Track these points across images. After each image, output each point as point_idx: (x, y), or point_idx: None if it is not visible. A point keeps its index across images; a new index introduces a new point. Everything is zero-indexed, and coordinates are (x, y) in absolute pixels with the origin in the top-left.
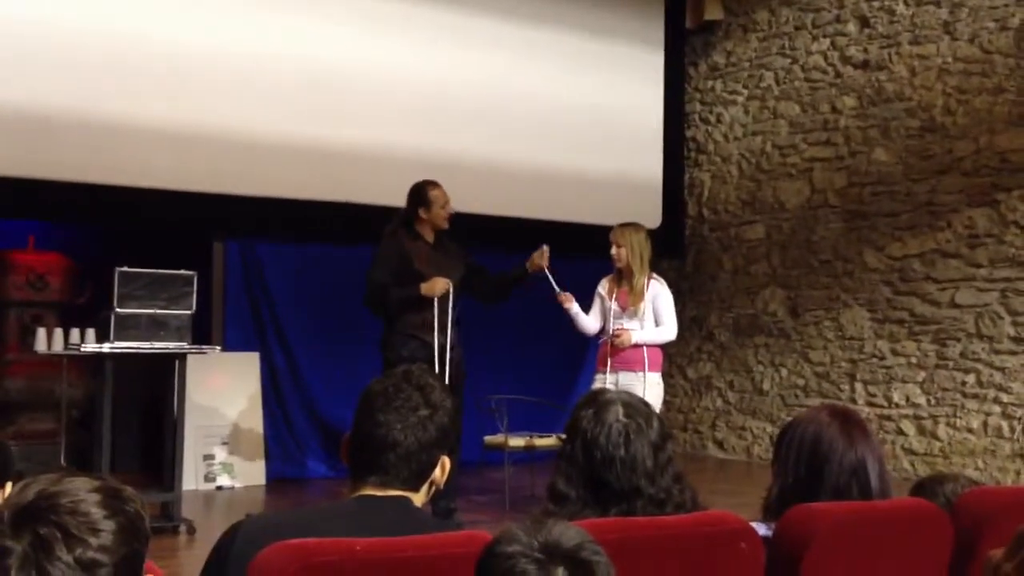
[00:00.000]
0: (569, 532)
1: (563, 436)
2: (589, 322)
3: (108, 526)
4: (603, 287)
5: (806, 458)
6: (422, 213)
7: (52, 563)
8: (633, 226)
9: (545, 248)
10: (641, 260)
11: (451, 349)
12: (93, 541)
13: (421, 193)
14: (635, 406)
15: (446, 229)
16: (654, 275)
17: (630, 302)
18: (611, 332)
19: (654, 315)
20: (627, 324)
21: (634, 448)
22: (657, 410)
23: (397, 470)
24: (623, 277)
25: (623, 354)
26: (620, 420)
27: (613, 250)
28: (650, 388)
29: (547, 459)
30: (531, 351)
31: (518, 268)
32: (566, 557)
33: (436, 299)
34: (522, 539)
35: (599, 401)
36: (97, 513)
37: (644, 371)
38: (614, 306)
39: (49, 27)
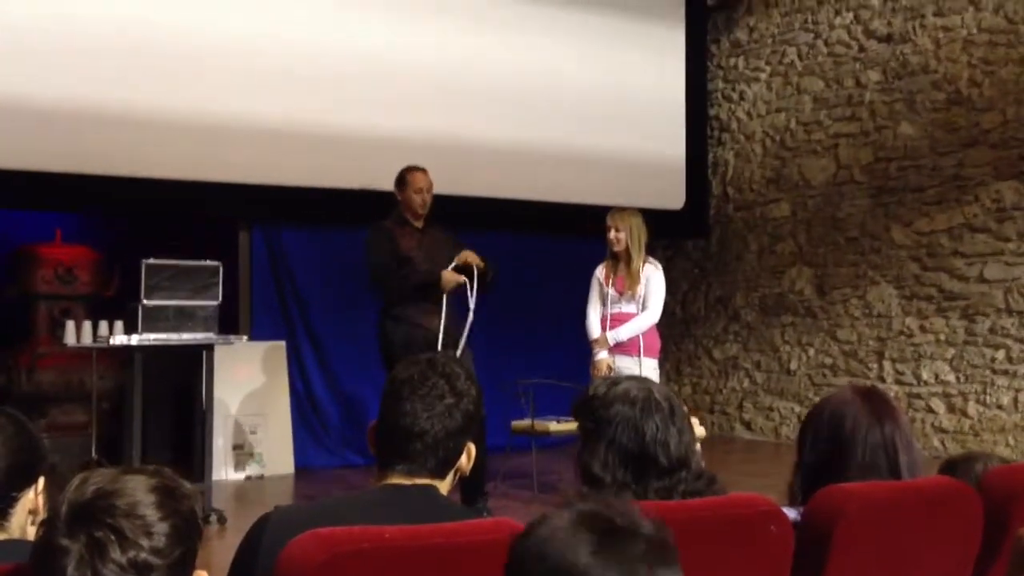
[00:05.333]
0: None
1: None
2: (595, 325)
3: (162, 528)
4: (600, 273)
5: (828, 437)
6: (398, 194)
7: (105, 565)
8: (630, 210)
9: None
10: (639, 244)
11: (446, 334)
12: (146, 543)
13: (400, 175)
14: (654, 383)
15: (427, 215)
16: (650, 258)
17: (627, 286)
18: (609, 316)
19: (643, 297)
20: (625, 308)
21: (679, 422)
22: None
23: (424, 458)
24: (619, 261)
25: None
26: (655, 397)
27: (612, 234)
28: (646, 374)
29: (574, 443)
30: (553, 334)
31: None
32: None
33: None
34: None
35: (621, 385)
36: (152, 515)
37: (640, 355)
38: (611, 291)
39: (70, 20)
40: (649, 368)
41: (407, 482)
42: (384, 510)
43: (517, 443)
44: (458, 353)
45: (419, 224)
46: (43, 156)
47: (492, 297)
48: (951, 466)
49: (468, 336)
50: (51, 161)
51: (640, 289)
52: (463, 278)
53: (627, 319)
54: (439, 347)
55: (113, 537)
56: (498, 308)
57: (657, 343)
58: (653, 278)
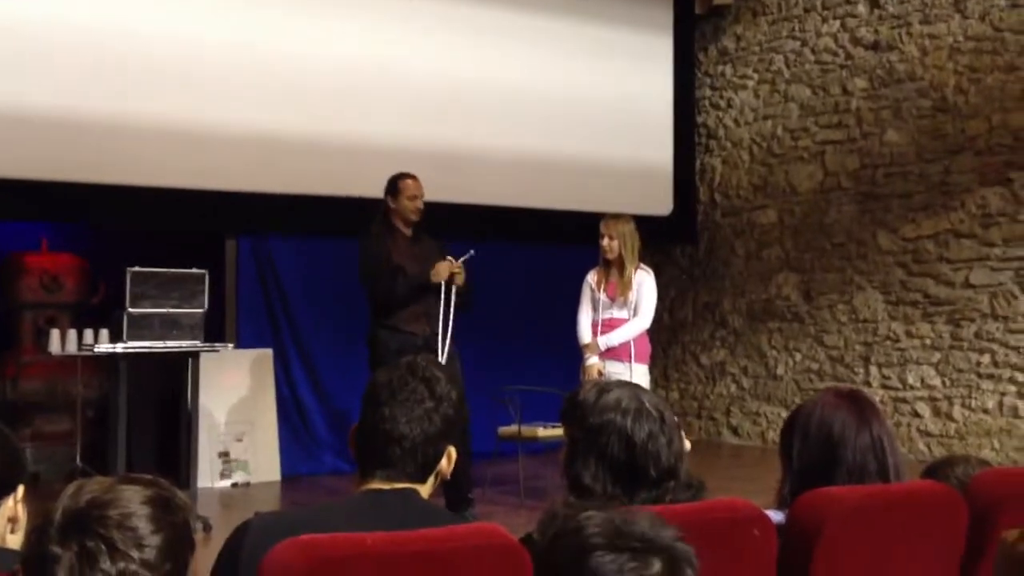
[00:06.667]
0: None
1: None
2: (586, 330)
3: (154, 541)
4: (592, 278)
5: (819, 443)
6: (391, 202)
7: (95, 575)
8: (624, 218)
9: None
10: (632, 251)
11: (443, 340)
12: (136, 555)
13: (392, 183)
14: (645, 391)
15: (418, 222)
16: (642, 264)
17: (619, 292)
18: (601, 322)
19: (635, 303)
20: (616, 314)
21: (669, 431)
22: None
23: (403, 463)
24: (611, 267)
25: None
26: (647, 406)
27: (604, 241)
28: (637, 379)
29: (560, 448)
30: (540, 340)
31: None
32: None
33: (443, 288)
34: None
35: (613, 393)
36: (145, 528)
37: (631, 361)
38: (603, 297)
39: (58, 28)
40: (639, 374)
41: (387, 487)
42: (364, 515)
43: (504, 449)
44: (443, 358)
45: (408, 232)
46: (28, 165)
47: (479, 303)
48: (932, 470)
49: (451, 340)
50: (36, 170)
51: (632, 295)
52: (447, 264)
53: (618, 325)
54: (439, 353)
55: (104, 547)
56: (485, 314)
57: (648, 349)
58: (645, 284)
